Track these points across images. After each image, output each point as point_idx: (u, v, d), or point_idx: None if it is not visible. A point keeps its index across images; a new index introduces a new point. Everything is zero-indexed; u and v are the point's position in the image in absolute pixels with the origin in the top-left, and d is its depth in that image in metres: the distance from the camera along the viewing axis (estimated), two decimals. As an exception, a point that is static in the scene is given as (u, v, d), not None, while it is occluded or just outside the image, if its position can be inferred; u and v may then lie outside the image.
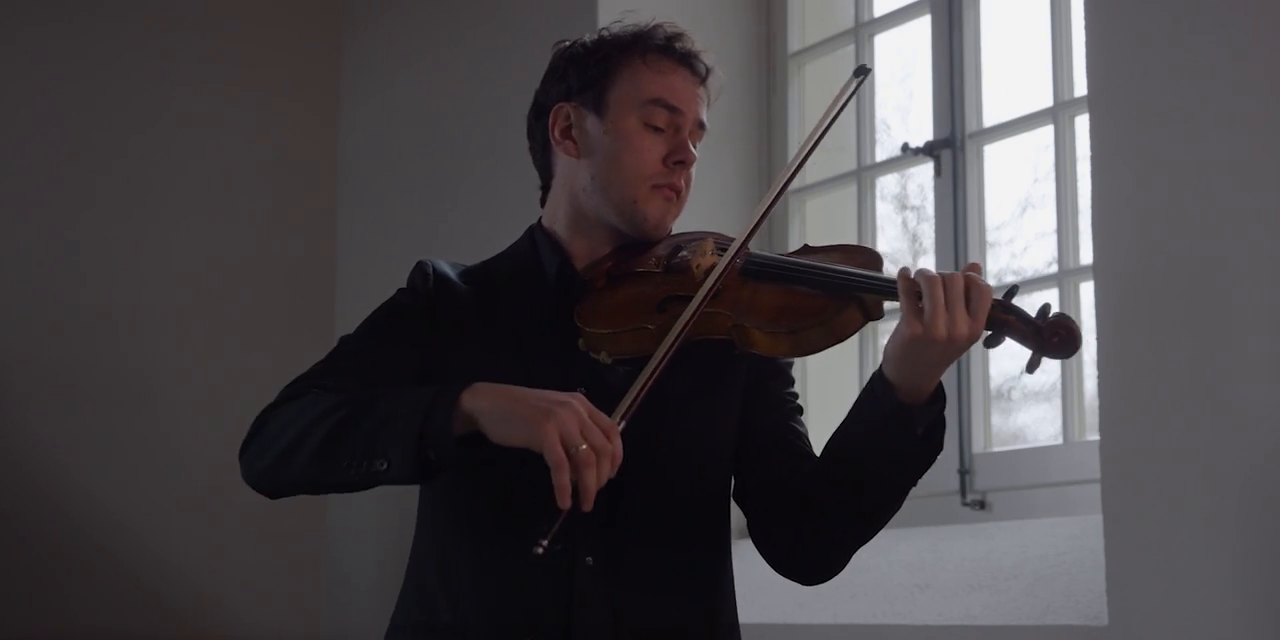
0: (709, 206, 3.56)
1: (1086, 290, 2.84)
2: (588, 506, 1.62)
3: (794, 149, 3.57)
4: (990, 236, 3.14)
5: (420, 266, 1.97)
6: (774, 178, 3.59)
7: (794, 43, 3.62)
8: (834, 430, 1.85)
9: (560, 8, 3.66)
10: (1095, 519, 2.49)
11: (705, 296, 1.78)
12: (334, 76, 4.64)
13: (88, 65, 4.27)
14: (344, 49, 4.65)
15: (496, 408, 1.66)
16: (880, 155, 3.43)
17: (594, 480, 1.62)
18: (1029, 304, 1.74)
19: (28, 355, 4.10)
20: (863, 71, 1.99)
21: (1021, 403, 3.17)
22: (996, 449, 3.01)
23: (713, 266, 1.84)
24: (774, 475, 1.92)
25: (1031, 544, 2.73)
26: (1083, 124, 2.59)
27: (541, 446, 1.61)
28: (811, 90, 3.61)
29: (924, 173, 3.30)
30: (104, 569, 4.08)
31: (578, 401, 1.65)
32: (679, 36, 1.96)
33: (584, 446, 1.61)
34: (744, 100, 3.62)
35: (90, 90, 4.27)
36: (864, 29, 3.47)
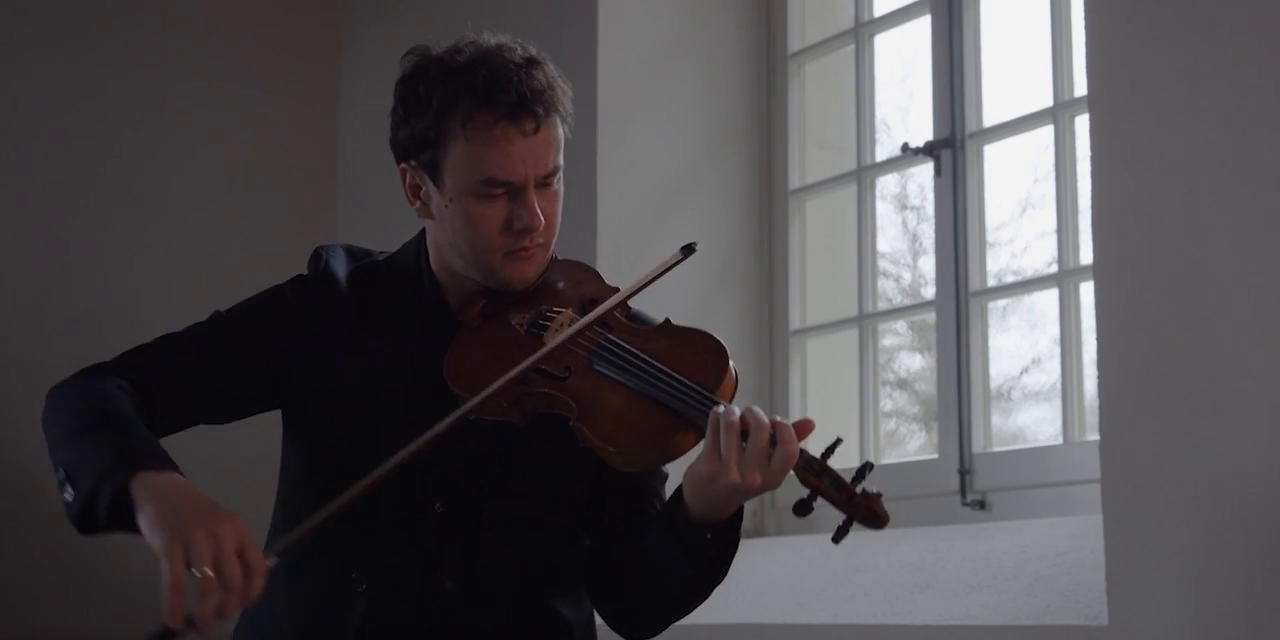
0: (708, 206, 3.56)
1: (1086, 290, 2.84)
2: (204, 630, 1.58)
3: (794, 149, 3.57)
4: (990, 236, 3.14)
5: (314, 258, 1.99)
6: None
7: (794, 43, 3.62)
8: (648, 528, 1.87)
9: (560, 8, 3.66)
10: (1095, 519, 2.49)
11: (521, 370, 1.78)
12: (334, 76, 4.64)
13: (87, 65, 4.27)
14: (344, 49, 4.65)
15: (149, 505, 1.63)
16: (880, 155, 3.43)
17: (210, 608, 1.56)
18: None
19: (28, 355, 4.09)
20: (689, 250, 1.93)
21: (1021, 403, 3.17)
22: (996, 449, 3.01)
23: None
24: (612, 525, 1.95)
25: (1031, 544, 2.73)
26: (1083, 124, 2.59)
27: (161, 558, 1.59)
28: (811, 90, 3.61)
29: (924, 173, 3.30)
30: (104, 569, 4.08)
31: (228, 527, 1.59)
32: (503, 80, 1.83)
33: (208, 573, 1.56)
34: (744, 100, 3.62)
35: (90, 90, 4.27)
36: (864, 29, 3.47)
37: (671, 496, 1.82)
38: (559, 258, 2.00)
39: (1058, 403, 2.89)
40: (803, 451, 1.73)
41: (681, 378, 1.78)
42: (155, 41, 4.37)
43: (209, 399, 1.92)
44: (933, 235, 3.17)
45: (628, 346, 1.84)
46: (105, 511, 1.66)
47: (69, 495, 1.71)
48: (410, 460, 1.70)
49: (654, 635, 1.96)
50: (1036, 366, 3.14)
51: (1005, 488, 2.95)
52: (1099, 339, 2.39)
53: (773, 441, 1.69)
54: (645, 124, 3.51)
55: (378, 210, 4.40)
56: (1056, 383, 2.92)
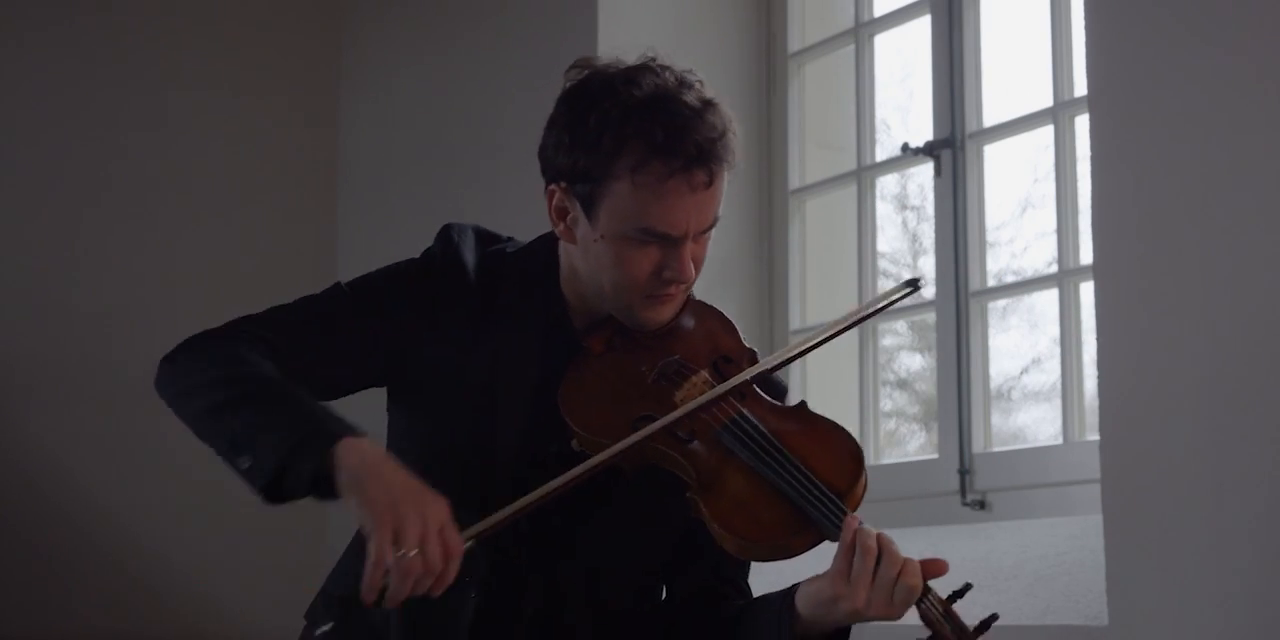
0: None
1: (1086, 290, 2.84)
2: (390, 606, 1.57)
3: (794, 149, 3.57)
4: (990, 236, 3.14)
5: (444, 239, 1.90)
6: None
7: (794, 43, 3.62)
8: (742, 607, 1.85)
9: (560, 8, 3.66)
10: (1095, 519, 2.49)
11: (651, 432, 1.73)
12: (334, 76, 4.64)
13: (88, 66, 4.27)
14: (344, 49, 4.65)
15: (356, 475, 1.61)
16: (880, 155, 3.43)
17: (407, 590, 1.56)
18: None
19: (28, 355, 4.10)
20: (914, 284, 1.91)
21: (1021, 403, 3.17)
22: (996, 449, 3.01)
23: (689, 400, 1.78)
24: (690, 596, 1.92)
25: (1031, 544, 2.73)
26: (1083, 124, 2.59)
27: (372, 537, 1.57)
28: (811, 90, 3.61)
29: (924, 173, 3.30)
30: (104, 569, 4.08)
31: (434, 508, 1.59)
32: (684, 130, 1.74)
33: (414, 553, 1.55)
34: (744, 100, 3.61)
35: (90, 91, 4.27)
36: (864, 29, 3.47)
37: (779, 598, 1.78)
38: (696, 298, 1.94)
39: (1058, 403, 2.89)
40: (929, 591, 1.71)
41: (814, 478, 1.72)
42: (156, 43, 4.37)
43: (317, 376, 1.85)
44: (933, 235, 3.17)
45: (761, 428, 1.77)
46: (303, 481, 1.63)
47: (245, 462, 1.66)
48: (486, 536, 1.66)
49: None
50: (1036, 366, 3.14)
51: (1005, 488, 2.94)
52: (1099, 339, 2.39)
53: (899, 575, 1.68)
54: (645, 124, 3.50)
55: (378, 210, 4.40)
56: (1056, 383, 2.91)
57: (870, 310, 1.89)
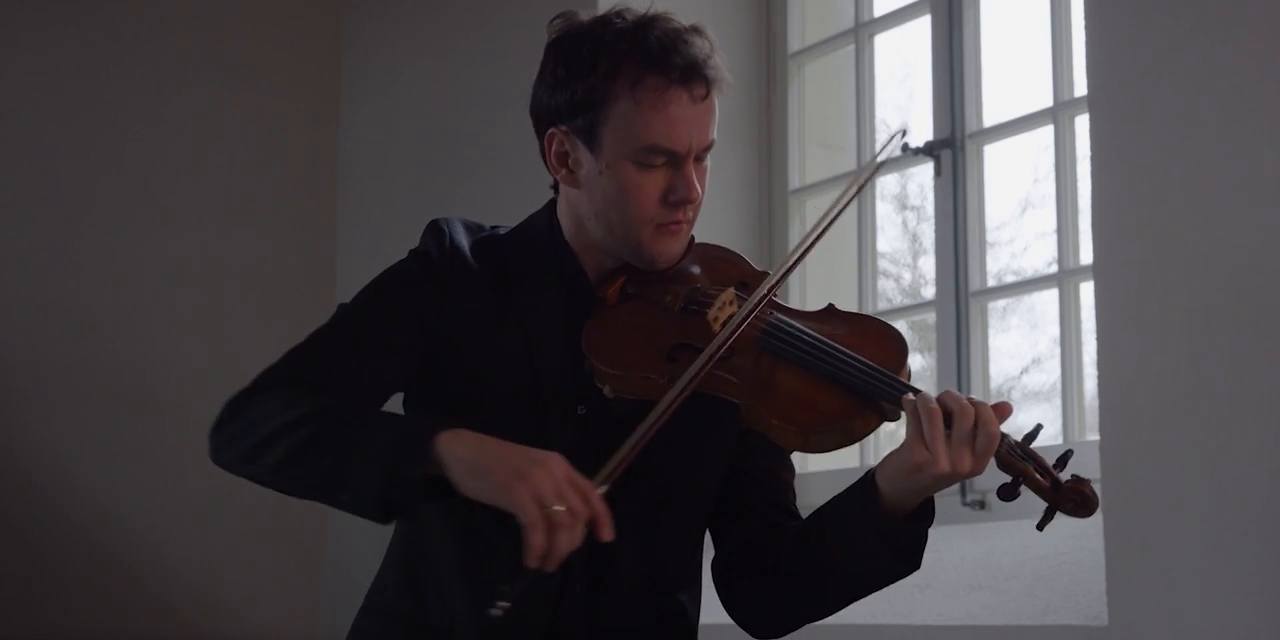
0: (708, 207, 3.55)
1: (1086, 290, 2.84)
2: (551, 568, 1.55)
3: (794, 149, 3.57)
4: (990, 236, 3.14)
5: (436, 232, 1.88)
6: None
7: (794, 43, 3.62)
8: (818, 509, 1.82)
9: (560, 8, 3.65)
10: (1095, 519, 2.48)
11: (709, 360, 1.70)
12: (334, 76, 4.64)
13: (88, 66, 4.27)
14: (344, 49, 4.65)
15: (470, 461, 1.59)
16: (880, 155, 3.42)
17: (567, 543, 1.55)
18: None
19: (28, 355, 4.10)
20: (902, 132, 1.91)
21: (1021, 403, 3.17)
22: (996, 449, 3.00)
23: (730, 317, 1.75)
24: (749, 526, 1.89)
25: (1031, 544, 2.73)
26: (1083, 124, 2.59)
27: (515, 507, 1.55)
28: (811, 90, 3.61)
29: (924, 173, 3.30)
30: (104, 569, 4.08)
31: (554, 462, 1.58)
32: (676, 41, 1.77)
33: (560, 508, 1.54)
34: (744, 100, 3.62)
35: (90, 91, 4.27)
36: (864, 29, 3.47)
37: (857, 484, 1.75)
38: (698, 241, 1.92)
39: (1058, 403, 2.89)
40: (1005, 435, 1.69)
41: (864, 360, 1.71)
42: (156, 43, 4.38)
43: (371, 399, 1.82)
44: (933, 235, 3.17)
45: (800, 327, 1.77)
46: (411, 489, 1.60)
47: (345, 496, 1.64)
48: (614, 478, 1.63)
49: (787, 633, 1.90)
50: (1036, 366, 3.14)
51: (1005, 488, 2.94)
52: (1099, 339, 2.39)
53: (975, 424, 1.66)
54: (645, 124, 3.50)
55: (378, 210, 4.40)
56: (1056, 383, 2.91)
57: (868, 172, 1.89)
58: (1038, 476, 1.69)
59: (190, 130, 4.39)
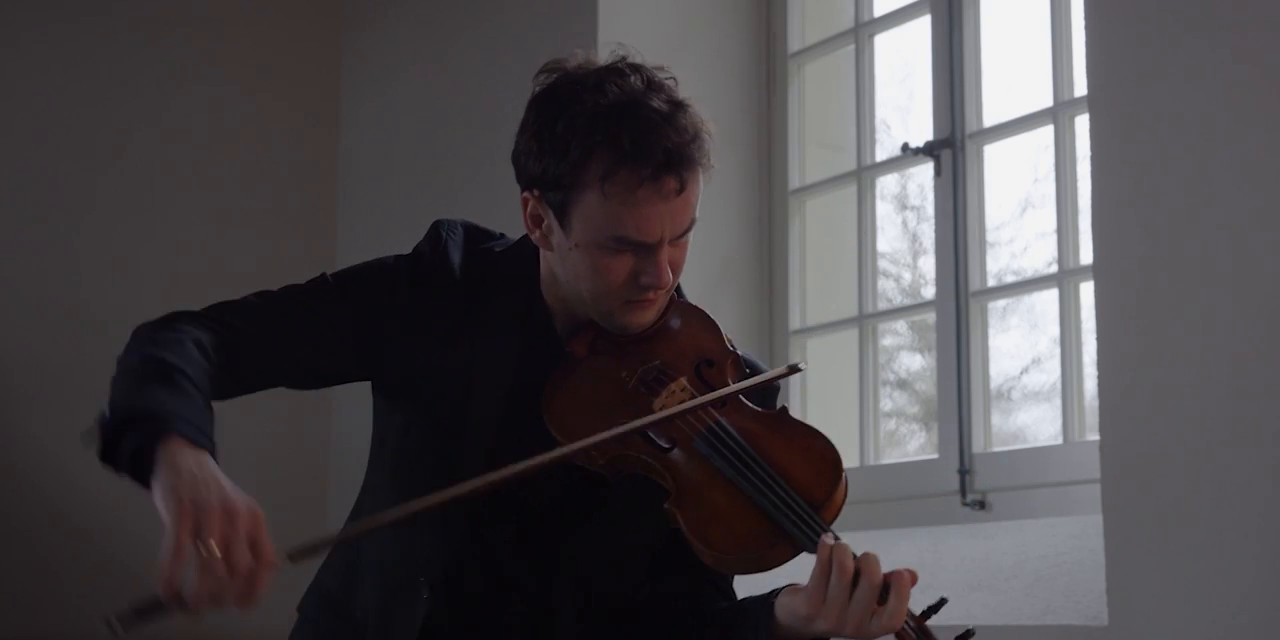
0: (709, 206, 3.55)
1: (1086, 290, 2.84)
2: (192, 611, 1.49)
3: (794, 149, 3.57)
4: (990, 236, 3.14)
5: (434, 236, 1.89)
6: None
7: (794, 43, 3.62)
8: (727, 615, 1.82)
9: (560, 8, 3.66)
10: (1095, 519, 2.49)
11: (615, 434, 1.71)
12: (334, 76, 4.64)
13: (88, 66, 4.27)
14: (344, 49, 4.65)
15: (171, 471, 1.56)
16: (880, 155, 3.43)
17: (205, 592, 1.49)
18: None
19: (28, 355, 4.10)
20: (794, 370, 1.86)
21: (1021, 403, 3.17)
22: (996, 449, 3.01)
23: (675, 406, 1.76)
24: (677, 583, 1.89)
25: (1031, 544, 2.73)
26: (1083, 124, 2.59)
27: (169, 525, 1.51)
28: (811, 90, 3.61)
29: (924, 173, 3.30)
30: (104, 569, 4.08)
31: (249, 517, 1.51)
32: (653, 136, 1.70)
33: (216, 555, 1.47)
34: (744, 100, 3.62)
35: (90, 91, 4.27)
36: (864, 29, 3.47)
37: (760, 601, 1.76)
38: (680, 299, 1.92)
39: (1058, 403, 2.89)
40: (908, 613, 1.66)
41: (790, 490, 1.70)
42: (156, 43, 4.37)
43: (291, 363, 1.85)
44: (933, 235, 3.17)
45: (739, 438, 1.76)
46: (126, 458, 1.62)
47: (99, 418, 1.68)
48: (486, 489, 1.64)
49: None
50: (1036, 366, 3.14)
51: (1005, 488, 2.95)
52: (1099, 339, 2.39)
53: (882, 597, 1.63)
54: (645, 124, 3.50)
55: (378, 211, 4.40)
56: (1056, 383, 2.91)
57: (750, 384, 1.83)
58: None
59: (190, 130, 4.38)
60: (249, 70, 4.50)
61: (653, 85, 1.75)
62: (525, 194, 1.81)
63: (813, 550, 1.67)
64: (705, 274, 3.41)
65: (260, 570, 1.48)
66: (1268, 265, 2.18)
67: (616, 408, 1.78)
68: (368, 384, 1.95)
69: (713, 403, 1.77)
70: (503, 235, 1.96)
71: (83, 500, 4.10)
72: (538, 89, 1.81)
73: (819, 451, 1.76)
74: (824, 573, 1.63)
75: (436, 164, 4.16)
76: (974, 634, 1.69)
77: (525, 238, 1.91)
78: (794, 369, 1.84)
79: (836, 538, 1.67)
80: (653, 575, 1.92)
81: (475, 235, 1.92)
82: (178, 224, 4.33)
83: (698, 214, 1.79)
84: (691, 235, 1.81)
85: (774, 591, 1.76)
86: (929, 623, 1.70)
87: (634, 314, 1.82)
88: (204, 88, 4.41)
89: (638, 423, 1.73)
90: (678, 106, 1.74)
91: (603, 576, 1.87)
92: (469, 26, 4.09)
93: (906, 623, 1.66)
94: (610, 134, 1.70)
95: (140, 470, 1.59)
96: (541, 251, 1.87)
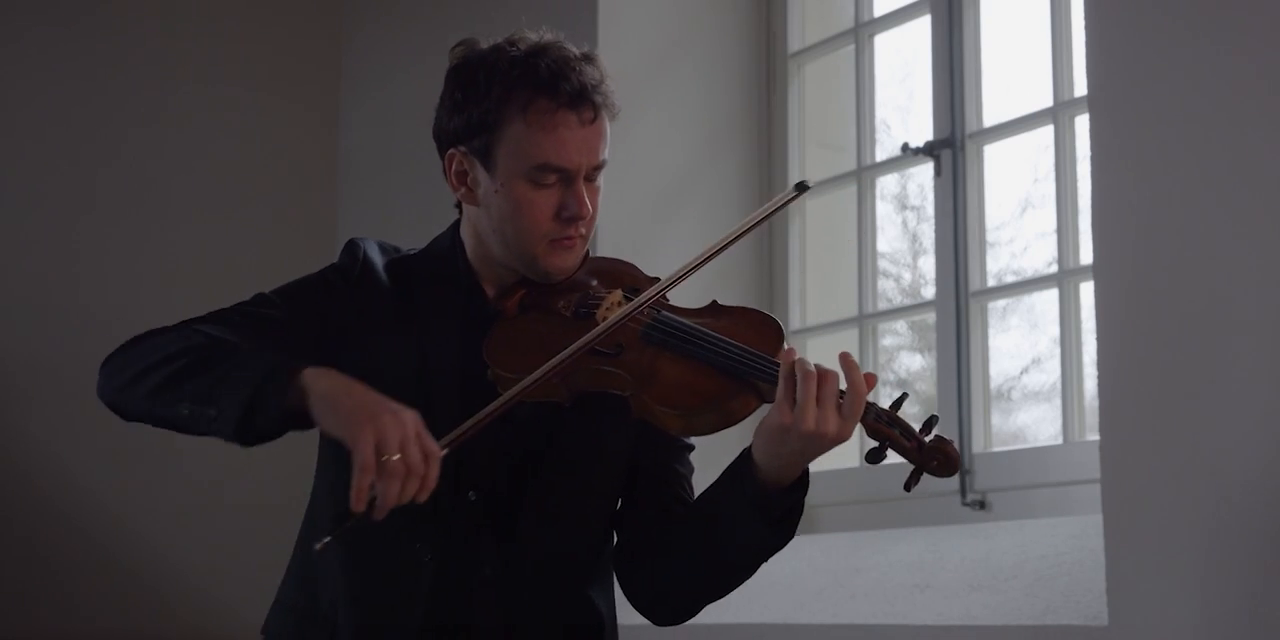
0: (708, 206, 3.56)
1: (1086, 290, 2.84)
2: (378, 516, 1.62)
3: (794, 149, 3.57)
4: (990, 236, 3.14)
5: (351, 248, 1.98)
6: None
7: (794, 43, 3.62)
8: (702, 493, 1.90)
9: (560, 8, 3.66)
10: (1095, 519, 2.49)
11: (581, 346, 1.79)
12: (334, 76, 4.64)
13: (88, 65, 4.27)
14: (344, 49, 4.65)
15: (330, 395, 1.67)
16: (880, 155, 3.43)
17: (395, 493, 1.61)
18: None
19: (28, 355, 4.10)
20: (802, 187, 1.94)
21: (1021, 403, 3.17)
22: (996, 449, 3.01)
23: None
24: (644, 514, 1.97)
25: (1031, 544, 2.73)
26: (1083, 124, 2.59)
27: (353, 444, 1.61)
28: (811, 90, 3.61)
29: (924, 173, 3.30)
30: (104, 569, 4.08)
31: (409, 416, 1.65)
32: (564, 69, 1.88)
33: (396, 457, 1.60)
34: (744, 100, 3.62)
35: (90, 90, 4.27)
36: (864, 29, 3.47)
37: (738, 458, 1.83)
38: (594, 255, 2.02)
39: (1058, 403, 2.89)
40: (872, 404, 1.77)
41: (742, 345, 1.80)
42: (156, 42, 4.38)
43: None
44: (933, 235, 3.17)
45: (683, 320, 1.87)
46: (273, 413, 1.67)
47: (213, 411, 1.70)
48: (458, 444, 1.71)
49: (685, 618, 1.96)
50: (1036, 366, 3.14)
51: (1005, 488, 2.95)
52: (1099, 339, 2.39)
53: (844, 388, 1.73)
54: (645, 124, 3.50)
55: (378, 211, 4.40)
56: (1056, 383, 2.92)
57: (761, 215, 1.93)
58: (903, 440, 1.78)
59: (190, 130, 4.39)
60: (249, 70, 4.50)
61: (559, 40, 1.94)
62: (451, 151, 1.93)
63: (773, 391, 1.75)
64: (706, 273, 3.39)
65: (432, 462, 1.63)
66: (1267, 265, 2.18)
67: (558, 338, 1.84)
68: None
69: (650, 307, 1.86)
70: (410, 249, 2.05)
71: (83, 500, 4.11)
72: (453, 62, 1.96)
73: (758, 318, 1.89)
74: (788, 379, 1.73)
75: (436, 164, 4.15)
76: (937, 420, 1.80)
77: (434, 240, 2.02)
78: (802, 187, 1.93)
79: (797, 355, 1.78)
80: (619, 521, 1.99)
81: (386, 247, 2.03)
82: (178, 224, 4.34)
83: (607, 156, 1.92)
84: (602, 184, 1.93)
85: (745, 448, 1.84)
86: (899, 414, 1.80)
87: (557, 255, 1.91)
88: (204, 87, 4.41)
89: (589, 335, 1.80)
90: (587, 56, 1.92)
91: (568, 527, 1.94)
92: (469, 26, 4.07)
93: (876, 412, 1.77)
94: (529, 67, 1.87)
95: (292, 418, 1.69)
96: (464, 219, 1.99)
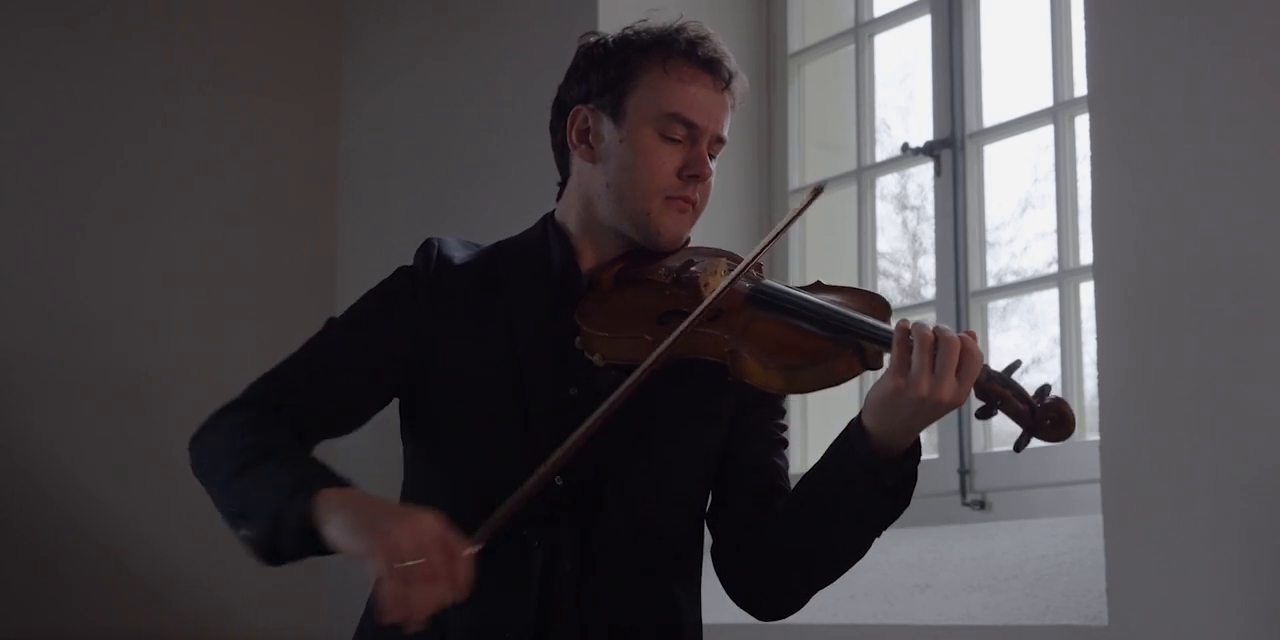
0: (708, 206, 3.55)
1: (1086, 290, 2.84)
2: (410, 628, 1.54)
3: (794, 149, 3.57)
4: (990, 236, 3.14)
5: (425, 248, 1.95)
6: (775, 191, 3.60)
7: (794, 43, 3.62)
8: (808, 471, 1.84)
9: (560, 8, 3.66)
10: (1095, 519, 2.49)
11: (701, 312, 1.75)
12: (334, 77, 4.64)
13: (88, 67, 4.27)
14: (344, 49, 4.65)
15: (341, 516, 1.61)
16: (880, 155, 3.43)
17: (425, 597, 1.53)
18: (1035, 380, 1.73)
19: (28, 355, 4.10)
20: (818, 191, 1.96)
21: (1021, 403, 3.17)
22: (996, 449, 3.01)
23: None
24: (744, 507, 1.91)
25: (1031, 544, 2.73)
26: (1083, 124, 2.59)
27: (369, 559, 1.55)
28: (811, 90, 3.61)
29: (924, 173, 3.30)
30: (105, 569, 4.08)
31: (424, 519, 1.57)
32: (703, 40, 1.91)
33: (416, 561, 1.53)
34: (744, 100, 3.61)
35: (91, 91, 4.27)
36: (864, 29, 3.47)
37: (846, 429, 1.78)
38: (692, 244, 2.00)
39: (1058, 403, 2.89)
40: (986, 365, 1.72)
41: (850, 310, 1.77)
42: (156, 43, 4.38)
43: (341, 414, 1.88)
44: (933, 235, 3.17)
45: (787, 288, 1.84)
46: (293, 538, 1.64)
47: (247, 532, 1.70)
48: (591, 431, 1.66)
49: (792, 610, 1.93)
50: (1036, 366, 3.14)
51: (1005, 488, 2.95)
52: (1099, 339, 2.39)
53: (961, 353, 1.69)
54: (645, 124, 3.50)
55: (378, 211, 4.40)
56: (1057, 383, 2.91)
57: (786, 222, 1.95)
58: (1016, 402, 1.72)
59: (190, 131, 4.39)
60: (249, 71, 4.50)
61: (693, 21, 1.94)
62: (575, 109, 1.93)
63: (889, 347, 1.71)
64: (705, 274, 3.40)
65: (457, 564, 1.55)
66: (1267, 265, 2.18)
67: (663, 300, 1.82)
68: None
69: (749, 279, 1.84)
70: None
71: (83, 500, 4.10)
72: (585, 44, 1.97)
73: (866, 294, 1.87)
74: (903, 344, 1.69)
75: (436, 164, 4.16)
76: (1050, 388, 1.75)
77: (531, 227, 1.99)
78: (818, 190, 1.95)
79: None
80: (715, 510, 1.94)
81: (469, 243, 2.00)
82: (178, 224, 4.34)
83: (727, 136, 1.94)
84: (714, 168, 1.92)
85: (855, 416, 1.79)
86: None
87: (670, 216, 1.90)
88: (204, 87, 4.41)
89: (711, 296, 1.77)
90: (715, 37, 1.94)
91: (651, 518, 1.87)
92: (469, 26, 4.09)
93: (989, 373, 1.71)
94: (667, 34, 1.91)
95: (312, 541, 1.64)
96: (570, 186, 1.96)
